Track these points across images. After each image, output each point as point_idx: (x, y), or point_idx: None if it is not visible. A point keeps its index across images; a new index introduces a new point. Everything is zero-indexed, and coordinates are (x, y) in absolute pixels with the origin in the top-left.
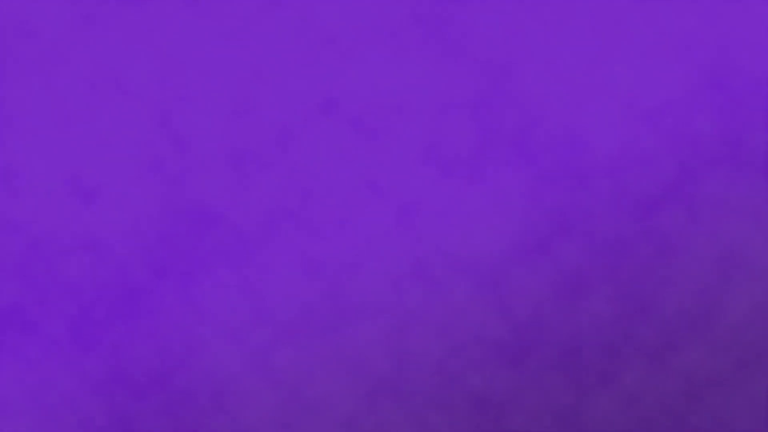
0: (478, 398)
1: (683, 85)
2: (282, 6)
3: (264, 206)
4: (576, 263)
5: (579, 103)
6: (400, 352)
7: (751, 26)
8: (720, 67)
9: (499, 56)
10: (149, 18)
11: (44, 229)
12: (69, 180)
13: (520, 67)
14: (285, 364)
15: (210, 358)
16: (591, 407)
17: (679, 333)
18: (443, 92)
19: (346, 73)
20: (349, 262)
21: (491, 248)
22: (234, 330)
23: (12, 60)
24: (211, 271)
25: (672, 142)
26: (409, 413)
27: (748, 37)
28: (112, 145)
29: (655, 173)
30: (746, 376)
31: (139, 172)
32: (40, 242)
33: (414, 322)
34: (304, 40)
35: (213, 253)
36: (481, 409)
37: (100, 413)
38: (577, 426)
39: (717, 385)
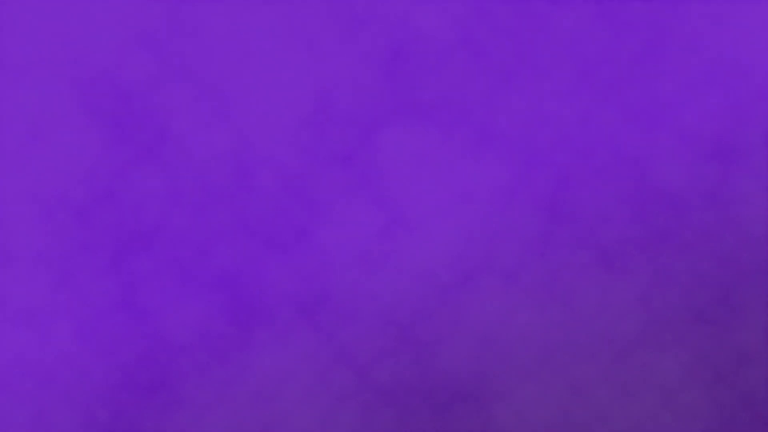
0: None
1: (685, 87)
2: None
3: (264, 205)
4: (576, 259)
5: (579, 103)
6: (396, 353)
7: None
8: (721, 67)
9: (499, 56)
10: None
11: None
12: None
13: (521, 68)
14: (284, 364)
15: (207, 358)
16: (590, 408)
17: (682, 332)
18: (436, 94)
19: (337, 74)
20: (343, 263)
21: (491, 249)
22: (231, 331)
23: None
24: (208, 270)
25: (673, 142)
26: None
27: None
28: (112, 149)
29: (655, 173)
30: (747, 373)
31: (141, 170)
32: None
33: (410, 323)
34: (295, 40)
35: (211, 252)
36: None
37: (98, 409)
38: (571, 424)
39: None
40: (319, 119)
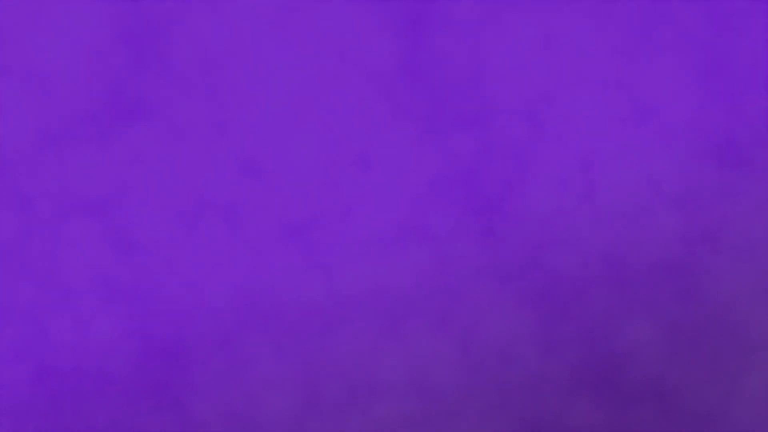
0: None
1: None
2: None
3: (270, 206)
4: (574, 268)
5: (581, 105)
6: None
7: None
8: (719, 68)
9: (502, 56)
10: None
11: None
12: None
13: (527, 67)
14: (282, 365)
15: (209, 357)
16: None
17: (685, 334)
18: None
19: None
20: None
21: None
22: (229, 333)
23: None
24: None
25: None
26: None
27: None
28: (111, 149)
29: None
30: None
31: (140, 170)
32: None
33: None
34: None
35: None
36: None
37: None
38: (553, 424)
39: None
40: (320, 118)
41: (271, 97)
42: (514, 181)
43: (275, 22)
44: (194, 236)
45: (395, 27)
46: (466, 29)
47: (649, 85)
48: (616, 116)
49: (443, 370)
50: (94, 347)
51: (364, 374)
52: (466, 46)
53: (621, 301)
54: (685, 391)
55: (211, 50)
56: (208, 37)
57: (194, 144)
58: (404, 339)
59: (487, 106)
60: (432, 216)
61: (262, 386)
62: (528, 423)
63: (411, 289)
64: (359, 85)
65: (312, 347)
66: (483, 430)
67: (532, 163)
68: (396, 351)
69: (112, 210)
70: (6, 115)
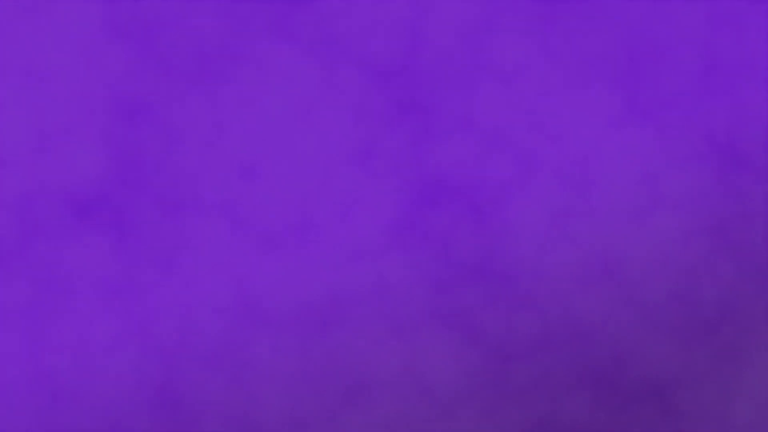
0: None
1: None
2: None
3: (268, 207)
4: (576, 261)
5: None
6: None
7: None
8: (717, 71)
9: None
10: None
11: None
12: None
13: (528, 74)
14: (283, 365)
15: (209, 360)
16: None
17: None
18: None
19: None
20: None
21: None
22: (231, 332)
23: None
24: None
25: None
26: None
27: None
28: (110, 151)
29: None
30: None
31: (139, 168)
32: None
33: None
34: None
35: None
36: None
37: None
38: (553, 424)
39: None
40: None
41: (271, 97)
42: (514, 181)
43: (275, 22)
44: (194, 236)
45: (395, 27)
46: (466, 29)
47: (649, 84)
48: (615, 116)
49: (443, 370)
50: (94, 347)
51: (364, 374)
52: (466, 46)
53: (621, 301)
54: (685, 391)
55: (211, 50)
56: (208, 37)
57: (194, 144)
58: (404, 339)
59: (487, 106)
60: (431, 216)
61: (262, 386)
62: (528, 423)
63: (410, 288)
64: (358, 85)
65: (312, 347)
66: (483, 430)
67: (532, 163)
68: (396, 351)
69: (112, 210)
70: (5, 114)
